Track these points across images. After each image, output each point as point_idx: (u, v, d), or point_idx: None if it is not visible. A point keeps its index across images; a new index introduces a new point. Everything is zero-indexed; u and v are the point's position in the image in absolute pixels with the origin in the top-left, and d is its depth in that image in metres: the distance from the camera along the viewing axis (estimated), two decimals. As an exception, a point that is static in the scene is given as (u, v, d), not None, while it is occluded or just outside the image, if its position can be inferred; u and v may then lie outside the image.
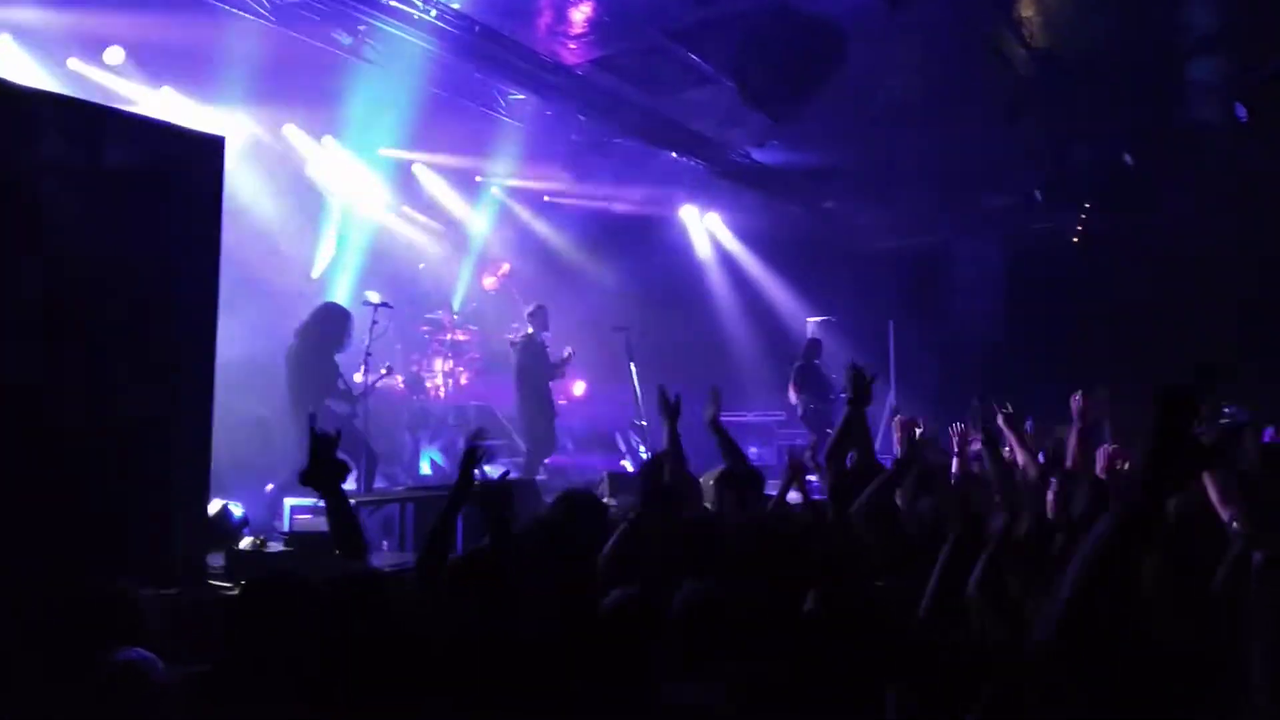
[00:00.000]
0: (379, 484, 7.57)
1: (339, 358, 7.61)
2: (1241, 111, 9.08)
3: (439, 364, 10.56)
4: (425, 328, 10.63)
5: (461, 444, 9.79)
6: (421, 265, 11.68)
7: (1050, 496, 4.07)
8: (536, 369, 9.16)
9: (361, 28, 8.05)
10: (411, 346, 10.50)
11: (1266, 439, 4.61)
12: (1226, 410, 6.62)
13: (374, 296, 8.09)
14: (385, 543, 6.36)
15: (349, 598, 2.44)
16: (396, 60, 8.39)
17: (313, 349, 7.39)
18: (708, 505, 4.49)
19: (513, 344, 9.56)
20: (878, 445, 6.53)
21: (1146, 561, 2.23)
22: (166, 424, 4.67)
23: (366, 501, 6.38)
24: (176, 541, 4.66)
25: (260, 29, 7.58)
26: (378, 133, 10.10)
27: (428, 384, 10.45)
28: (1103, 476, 4.54)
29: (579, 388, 11.42)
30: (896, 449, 5.05)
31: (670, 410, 4.38)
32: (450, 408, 10.30)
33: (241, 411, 8.02)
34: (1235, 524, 3.03)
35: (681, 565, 2.96)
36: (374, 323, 7.63)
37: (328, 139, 10.20)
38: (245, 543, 5.25)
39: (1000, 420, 4.99)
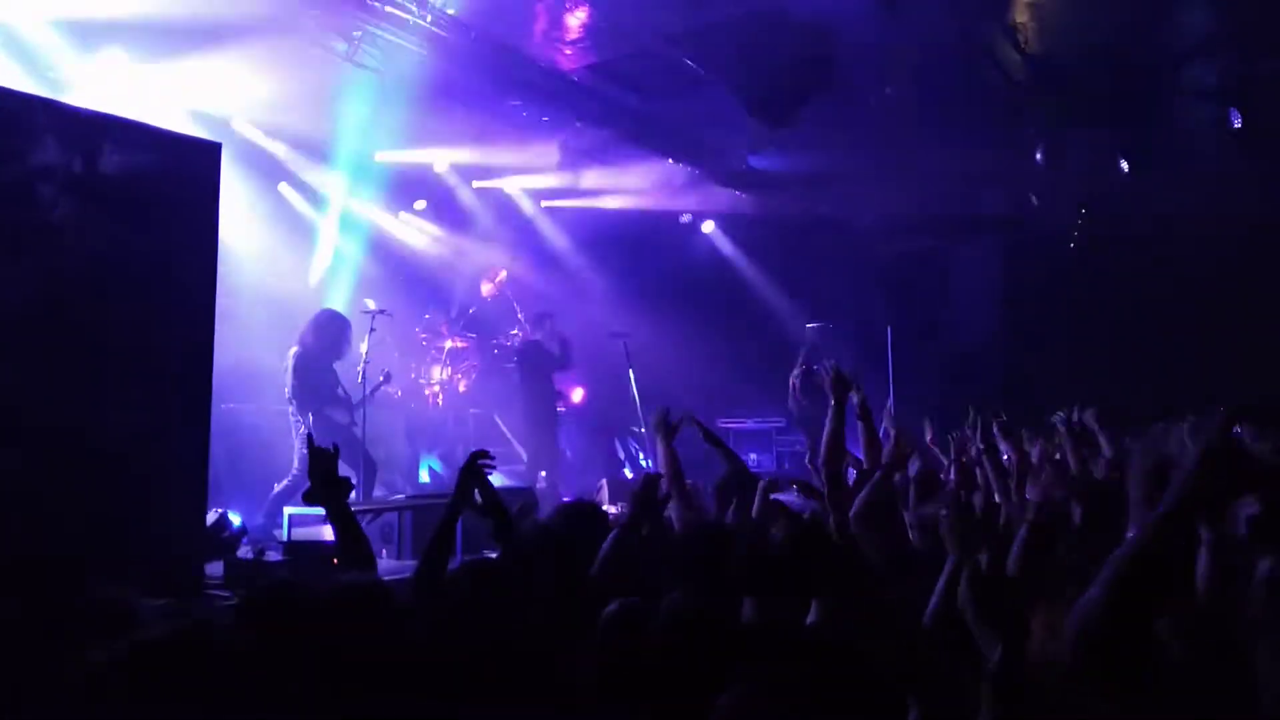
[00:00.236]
0: (378, 492, 7.55)
1: (337, 365, 7.59)
2: (1236, 116, 9.11)
3: (436, 371, 10.53)
4: (423, 335, 10.61)
5: (461, 452, 9.81)
6: (419, 272, 11.67)
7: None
8: (539, 376, 9.16)
9: (357, 34, 8.05)
10: (409, 354, 10.47)
11: None
12: (1236, 431, 6.60)
13: (371, 304, 8.08)
14: (384, 551, 6.34)
15: (350, 608, 2.43)
16: (393, 66, 8.40)
17: (311, 356, 7.38)
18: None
19: (514, 350, 9.56)
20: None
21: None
22: (164, 432, 4.66)
23: (365, 510, 6.35)
24: (174, 550, 4.64)
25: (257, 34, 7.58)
26: (374, 138, 10.09)
27: (425, 391, 10.42)
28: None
29: (578, 394, 11.41)
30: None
31: (667, 430, 4.37)
32: (448, 415, 10.28)
33: (240, 420, 8.02)
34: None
35: (676, 573, 2.95)
36: (371, 330, 7.62)
37: (324, 144, 10.19)
38: (243, 552, 5.24)
39: (996, 429, 4.99)
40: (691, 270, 13.22)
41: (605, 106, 9.81)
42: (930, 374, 11.00)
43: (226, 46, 7.71)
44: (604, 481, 8.13)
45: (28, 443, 4.13)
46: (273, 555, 5.19)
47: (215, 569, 5.06)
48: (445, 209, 11.89)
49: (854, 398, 4.40)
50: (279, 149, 9.95)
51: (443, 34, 8.01)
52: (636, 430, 10.07)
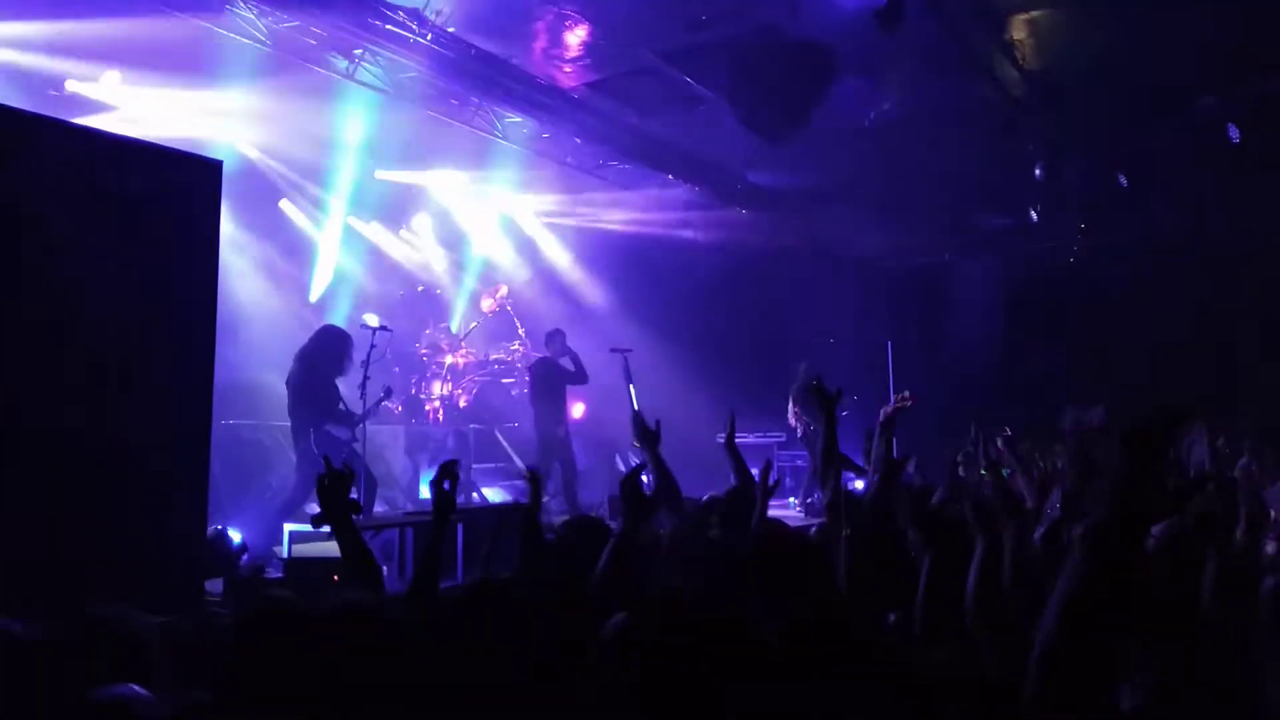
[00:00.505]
0: (378, 508, 7.53)
1: (339, 381, 7.59)
2: (1234, 133, 9.15)
3: (437, 387, 10.53)
4: (424, 350, 10.61)
5: (462, 468, 9.79)
6: (420, 288, 11.69)
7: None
8: (553, 393, 9.18)
9: (358, 52, 8.09)
10: (410, 369, 10.47)
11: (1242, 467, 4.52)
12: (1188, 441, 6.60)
13: (372, 320, 8.08)
14: (385, 568, 6.31)
15: (348, 628, 2.42)
16: (393, 84, 8.45)
17: (313, 372, 7.37)
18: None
19: (526, 369, 9.60)
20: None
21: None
22: (164, 448, 4.66)
23: (366, 527, 6.33)
24: (174, 567, 4.63)
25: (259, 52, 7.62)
26: (375, 155, 10.13)
27: (426, 407, 10.42)
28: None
29: (578, 410, 11.40)
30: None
31: (649, 437, 4.38)
32: (449, 430, 10.27)
33: (240, 436, 8.01)
34: None
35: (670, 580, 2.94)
36: (372, 346, 7.62)
37: (323, 162, 10.23)
38: (244, 569, 5.23)
39: (1000, 443, 4.98)
40: (691, 286, 13.24)
41: (605, 124, 9.84)
42: (931, 389, 11.00)
43: (228, 64, 7.76)
44: (607, 496, 8.12)
45: (28, 459, 4.13)
46: (273, 572, 5.18)
47: (215, 585, 5.05)
48: (445, 226, 11.92)
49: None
50: (279, 167, 9.99)
51: (443, 51, 8.05)
52: (637, 445, 10.04)
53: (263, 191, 9.66)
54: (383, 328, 7.88)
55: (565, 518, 4.48)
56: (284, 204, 10.38)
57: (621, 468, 10.93)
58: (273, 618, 2.53)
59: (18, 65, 7.45)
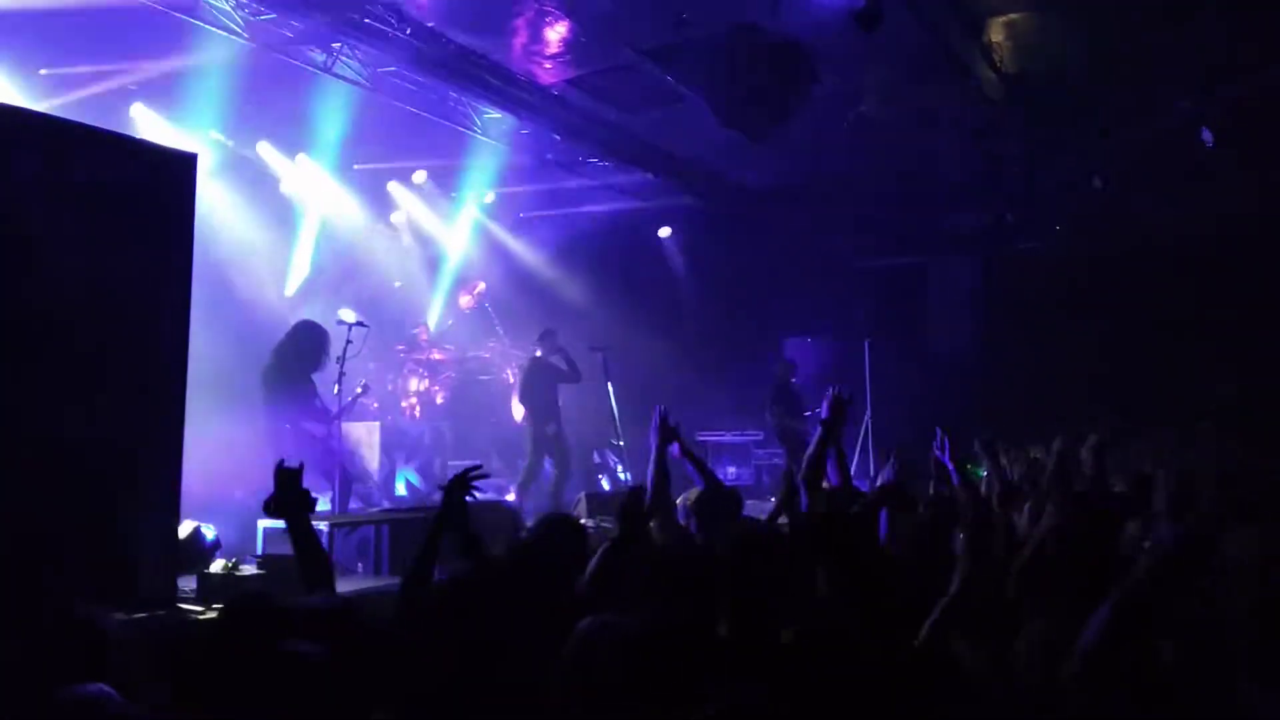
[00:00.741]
0: (354, 505, 7.49)
1: (314, 377, 7.53)
2: (1208, 136, 9.24)
3: (414, 383, 10.48)
4: (400, 347, 10.56)
5: (438, 465, 9.73)
6: (397, 284, 11.63)
7: (1024, 516, 4.08)
8: (547, 393, 9.18)
9: (336, 45, 8.04)
10: (386, 366, 10.41)
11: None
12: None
13: (348, 315, 8.02)
14: (360, 565, 6.28)
15: (322, 628, 2.40)
16: (372, 78, 8.39)
17: (289, 368, 7.31)
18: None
19: (520, 368, 9.62)
20: (854, 469, 6.53)
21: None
22: (137, 444, 4.61)
23: (341, 523, 6.30)
24: (146, 564, 4.58)
25: (234, 46, 7.55)
26: (352, 149, 10.06)
27: (403, 404, 10.37)
28: None
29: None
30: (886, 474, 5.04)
31: (666, 433, 4.36)
32: (426, 427, 10.23)
33: (215, 432, 7.93)
34: None
35: (660, 589, 2.94)
36: (348, 342, 7.56)
37: (301, 156, 10.15)
38: (217, 566, 5.18)
39: (978, 445, 4.99)
40: (669, 283, 13.25)
41: (584, 120, 9.82)
42: (908, 389, 11.06)
43: (205, 55, 7.68)
44: (582, 495, 8.11)
45: (-3, 455, 4.07)
46: (247, 569, 5.14)
47: (188, 582, 5.00)
48: (423, 220, 11.86)
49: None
50: (256, 160, 9.90)
51: (423, 46, 8.00)
52: (615, 443, 10.05)
53: (239, 184, 9.56)
54: (359, 323, 7.83)
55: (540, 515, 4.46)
56: (260, 198, 10.26)
57: (598, 461, 10.94)
58: (247, 614, 2.51)
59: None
